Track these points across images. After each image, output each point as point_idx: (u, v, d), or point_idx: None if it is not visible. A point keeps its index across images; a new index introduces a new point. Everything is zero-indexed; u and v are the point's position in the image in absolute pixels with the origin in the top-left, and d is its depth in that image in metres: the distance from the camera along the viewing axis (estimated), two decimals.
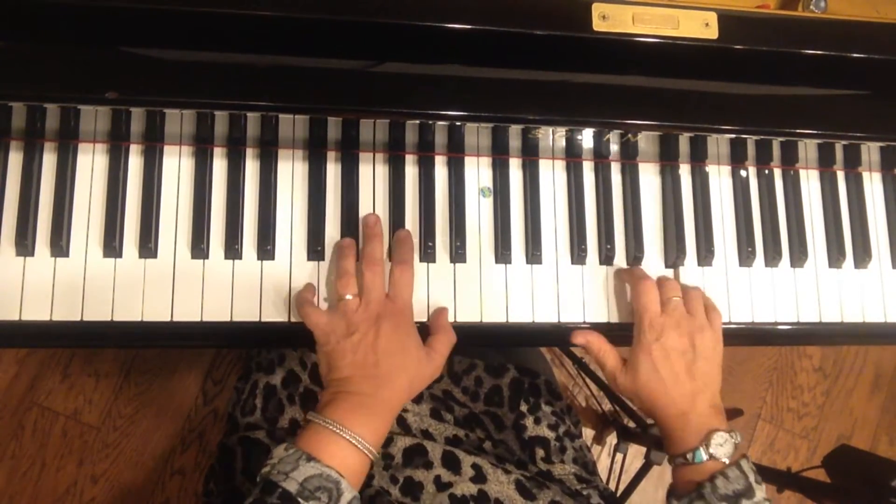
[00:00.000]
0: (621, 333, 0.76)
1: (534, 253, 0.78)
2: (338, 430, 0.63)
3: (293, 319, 0.74)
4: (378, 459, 0.65)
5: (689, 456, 0.67)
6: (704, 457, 0.66)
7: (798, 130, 0.78)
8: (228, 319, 0.73)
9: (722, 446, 0.66)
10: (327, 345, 0.69)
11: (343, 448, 0.63)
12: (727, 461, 0.66)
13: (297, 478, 0.58)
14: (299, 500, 0.57)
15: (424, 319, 0.75)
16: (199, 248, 0.73)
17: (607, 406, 1.65)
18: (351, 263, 0.72)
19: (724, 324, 0.80)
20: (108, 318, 0.71)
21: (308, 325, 0.70)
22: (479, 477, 0.75)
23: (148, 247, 0.73)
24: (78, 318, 0.71)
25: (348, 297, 0.70)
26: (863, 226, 0.85)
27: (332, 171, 0.77)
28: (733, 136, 0.83)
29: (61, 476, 1.58)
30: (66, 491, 1.58)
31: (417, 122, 0.78)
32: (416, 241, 0.77)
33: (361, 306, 0.69)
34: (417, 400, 0.86)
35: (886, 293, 0.84)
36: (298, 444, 0.62)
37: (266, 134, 0.76)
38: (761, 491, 0.65)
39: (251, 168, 0.76)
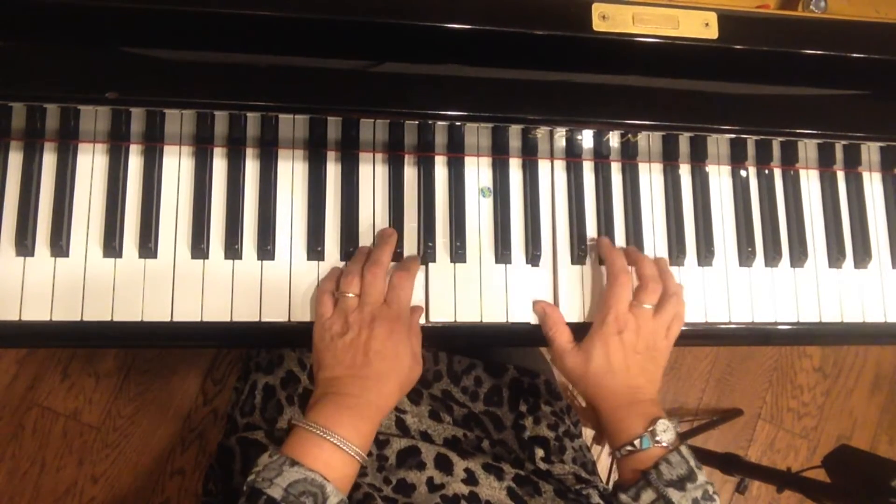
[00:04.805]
0: None
1: (534, 253, 0.78)
2: (321, 433, 0.62)
3: (293, 319, 0.74)
4: (366, 462, 0.65)
5: (636, 443, 0.68)
6: (651, 443, 0.67)
7: (798, 130, 0.78)
8: (228, 319, 0.73)
9: (665, 432, 0.68)
10: (322, 341, 0.69)
11: (327, 451, 0.62)
12: (670, 447, 0.67)
13: (281, 483, 0.58)
14: None
15: (423, 321, 0.75)
16: (199, 248, 0.73)
17: None
18: (360, 266, 0.72)
19: (724, 323, 0.81)
20: (108, 318, 0.71)
21: (316, 313, 0.71)
22: (470, 480, 0.76)
23: (148, 247, 0.73)
24: (78, 318, 0.71)
25: (349, 294, 0.70)
26: (863, 226, 0.85)
27: (332, 171, 0.77)
28: (733, 136, 0.83)
29: (61, 476, 1.58)
30: (66, 491, 1.58)
31: (417, 122, 0.78)
32: (416, 241, 0.77)
33: (359, 307, 0.70)
34: (416, 401, 0.86)
35: (886, 293, 0.84)
36: (284, 450, 0.62)
37: (266, 134, 0.76)
38: (702, 474, 0.66)
39: (251, 168, 0.76)
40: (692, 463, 0.66)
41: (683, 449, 0.67)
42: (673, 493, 0.64)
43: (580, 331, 0.75)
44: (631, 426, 0.69)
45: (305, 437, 0.63)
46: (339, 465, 0.62)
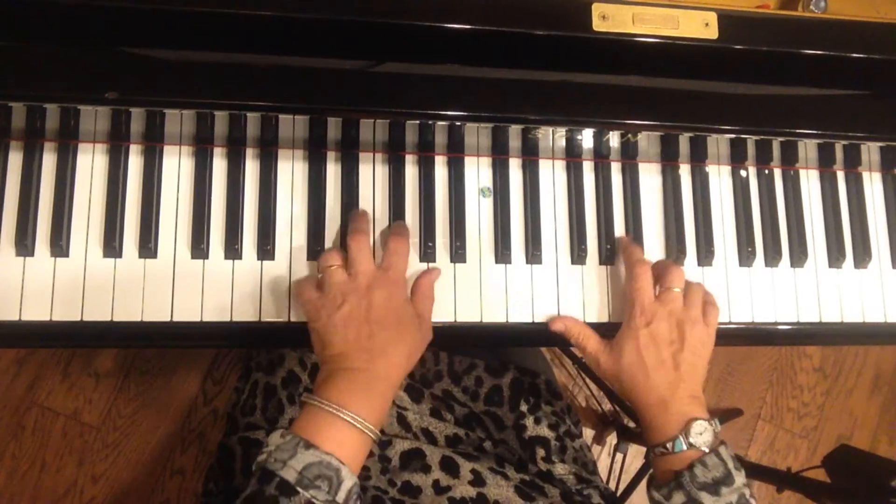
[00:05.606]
0: None
1: (534, 253, 0.78)
2: (334, 411, 0.61)
3: (293, 319, 0.74)
4: (379, 439, 0.64)
5: (668, 445, 0.67)
6: (684, 446, 0.66)
7: (798, 130, 0.78)
8: (228, 319, 0.73)
9: (701, 435, 0.66)
10: (318, 321, 0.67)
11: (341, 430, 0.61)
12: (707, 450, 0.66)
13: (295, 466, 0.57)
14: (298, 489, 0.56)
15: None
16: (199, 248, 0.73)
17: (607, 406, 1.65)
18: (335, 248, 0.72)
19: (724, 323, 0.80)
20: (108, 318, 0.71)
21: (301, 302, 0.70)
22: (477, 481, 0.75)
23: (148, 247, 0.73)
24: (78, 318, 0.71)
25: (334, 266, 0.68)
26: (863, 226, 0.85)
27: (332, 171, 0.77)
28: (733, 136, 0.83)
29: (61, 476, 1.58)
30: (66, 491, 1.58)
31: (417, 122, 0.78)
32: (416, 241, 0.77)
33: (350, 277, 0.68)
34: (418, 399, 0.86)
35: (886, 293, 0.84)
36: (295, 430, 0.60)
37: (266, 134, 0.76)
38: (740, 477, 0.65)
39: (251, 168, 0.76)
40: (730, 465, 0.64)
41: (722, 450, 0.65)
42: (705, 497, 0.63)
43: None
44: (665, 426, 0.68)
45: (318, 414, 0.61)
46: (351, 444, 0.61)
